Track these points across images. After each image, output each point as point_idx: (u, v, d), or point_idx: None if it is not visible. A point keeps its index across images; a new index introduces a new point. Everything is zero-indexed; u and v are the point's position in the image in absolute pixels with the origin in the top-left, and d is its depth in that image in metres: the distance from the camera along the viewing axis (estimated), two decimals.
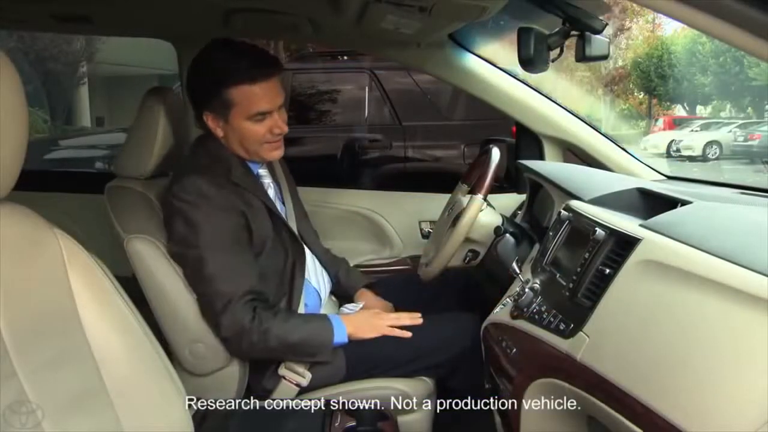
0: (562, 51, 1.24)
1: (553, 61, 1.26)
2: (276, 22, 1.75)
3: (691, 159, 12.11)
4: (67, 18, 1.81)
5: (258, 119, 1.41)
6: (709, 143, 12.62)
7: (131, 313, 1.12)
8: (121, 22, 1.91)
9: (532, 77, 1.90)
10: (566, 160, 2.06)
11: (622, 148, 2.00)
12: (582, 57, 1.19)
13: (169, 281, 1.39)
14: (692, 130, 13.46)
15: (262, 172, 1.53)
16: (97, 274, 1.07)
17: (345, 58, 4.54)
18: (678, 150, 12.58)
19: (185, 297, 1.40)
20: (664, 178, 1.95)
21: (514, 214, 1.91)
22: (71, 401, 0.96)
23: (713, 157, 12.39)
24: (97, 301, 1.06)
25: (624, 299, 1.00)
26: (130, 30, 2.22)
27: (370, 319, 1.50)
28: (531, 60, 1.22)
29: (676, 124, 14.84)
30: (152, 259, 1.39)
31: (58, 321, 1.00)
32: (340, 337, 1.45)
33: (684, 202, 1.15)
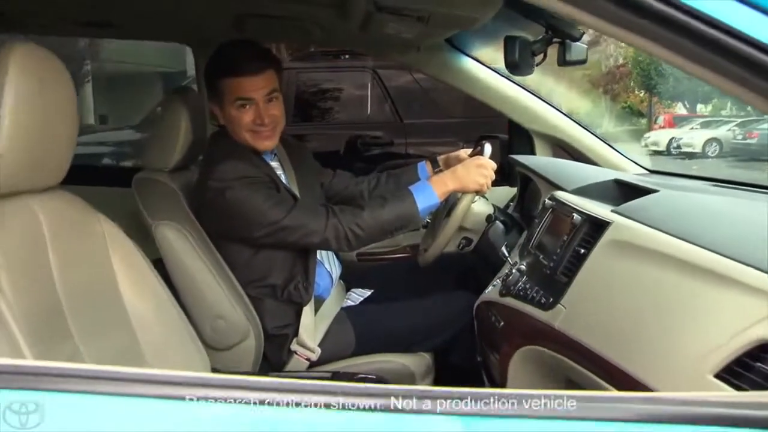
0: (545, 56, 1.39)
1: (537, 65, 1.41)
2: (287, 26, 1.90)
3: (691, 156, 12.19)
4: (92, 23, 1.95)
5: (241, 105, 1.54)
6: (709, 141, 12.70)
7: (162, 289, 1.28)
8: (141, 26, 2.05)
9: (536, 77, 2.04)
10: (556, 156, 2.20)
11: (609, 144, 2.14)
12: (563, 62, 1.33)
13: (194, 263, 1.54)
14: (692, 128, 13.55)
15: (274, 164, 1.67)
16: (133, 254, 1.22)
17: (347, 57, 4.65)
18: (678, 147, 12.68)
19: (208, 277, 1.54)
20: (647, 172, 2.09)
21: (507, 206, 2.06)
22: (115, 359, 1.11)
23: (713, 154, 12.47)
24: (133, 276, 1.21)
25: (596, 274, 1.15)
26: (149, 34, 2.36)
27: (473, 172, 1.55)
28: (516, 64, 1.37)
29: (676, 122, 14.95)
30: (178, 244, 1.53)
31: (101, 291, 1.14)
32: (426, 202, 1.54)
33: (652, 191, 1.30)
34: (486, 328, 1.49)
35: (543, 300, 1.25)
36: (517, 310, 1.33)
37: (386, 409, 0.54)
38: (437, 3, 1.39)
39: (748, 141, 14.27)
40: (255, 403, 0.55)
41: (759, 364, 0.74)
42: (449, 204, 1.69)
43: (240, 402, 0.55)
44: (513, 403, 0.56)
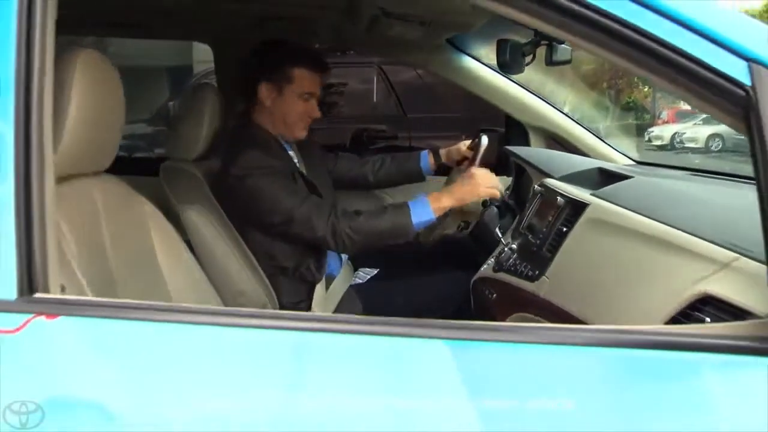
0: (534, 57, 1.54)
1: (527, 65, 1.57)
2: (300, 28, 2.06)
3: (694, 151, 12.27)
4: (122, 24, 2.12)
5: (306, 98, 1.71)
6: (712, 136, 12.76)
7: (193, 264, 1.45)
8: (168, 27, 2.22)
9: (542, 73, 2.18)
10: (550, 147, 2.35)
11: (599, 137, 2.30)
12: (550, 62, 1.49)
13: (217, 244, 1.70)
14: (695, 124, 13.62)
15: (292, 153, 1.83)
16: (170, 232, 1.40)
17: (353, 53, 4.79)
18: (681, 142, 12.76)
19: (230, 257, 1.70)
20: (634, 163, 2.24)
21: (503, 194, 2.22)
22: None
23: (716, 149, 12.55)
24: (169, 252, 1.38)
25: (575, 249, 1.32)
26: (174, 34, 2.53)
27: (468, 186, 1.64)
28: (507, 64, 1.53)
29: (679, 117, 15.02)
30: (203, 226, 1.70)
31: (143, 264, 1.31)
32: (421, 217, 1.62)
33: (628, 177, 1.46)
34: (481, 301, 1.66)
35: (530, 273, 1.41)
36: (508, 284, 1.50)
37: (387, 334, 0.71)
38: (437, 11, 1.55)
39: None
40: (287, 329, 0.72)
41: (697, 313, 0.91)
42: (450, 183, 1.84)
43: (276, 329, 0.73)
44: (493, 330, 0.73)
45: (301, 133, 1.75)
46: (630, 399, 0.70)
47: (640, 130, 13.31)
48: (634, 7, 0.75)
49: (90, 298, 0.91)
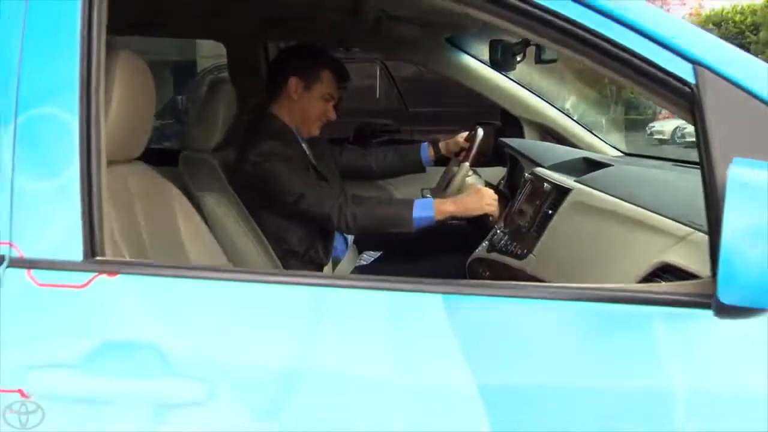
0: (524, 56, 1.69)
1: (518, 62, 1.71)
2: (306, 28, 2.21)
3: (695, 145, 12.36)
4: (142, 23, 2.26)
5: (327, 99, 1.88)
6: None
7: (213, 244, 1.60)
8: (186, 26, 2.36)
9: (546, 70, 2.31)
10: (543, 140, 2.49)
11: (589, 130, 2.44)
12: (538, 60, 1.63)
13: (234, 227, 1.84)
14: None
15: (304, 146, 1.97)
16: (193, 215, 1.54)
17: (356, 49, 4.92)
18: (683, 137, 12.84)
19: (245, 240, 1.84)
20: (622, 154, 2.38)
21: (499, 182, 2.36)
22: None
23: None
24: (193, 232, 1.52)
25: (559, 229, 1.46)
26: (190, 33, 2.67)
27: (474, 198, 1.78)
28: (499, 62, 1.67)
29: None
30: (221, 211, 1.84)
31: (170, 243, 1.46)
32: (421, 212, 1.75)
33: (608, 165, 1.61)
34: (476, 279, 1.80)
35: (518, 252, 1.56)
36: (500, 262, 1.64)
37: (386, 288, 0.86)
38: (435, 14, 1.69)
39: None
40: (308, 285, 0.87)
41: (657, 278, 1.05)
42: (447, 177, 1.99)
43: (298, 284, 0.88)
44: (483, 287, 0.87)
45: (315, 131, 1.91)
46: (594, 341, 0.85)
47: (642, 125, 13.41)
48: (599, 18, 0.89)
49: (142, 260, 1.06)
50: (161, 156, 1.96)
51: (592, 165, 1.70)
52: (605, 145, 2.39)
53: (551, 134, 2.46)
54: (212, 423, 0.83)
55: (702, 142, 0.88)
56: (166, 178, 1.81)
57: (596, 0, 0.89)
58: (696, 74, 0.88)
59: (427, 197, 2.09)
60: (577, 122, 2.41)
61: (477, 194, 1.79)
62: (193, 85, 6.53)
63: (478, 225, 2.03)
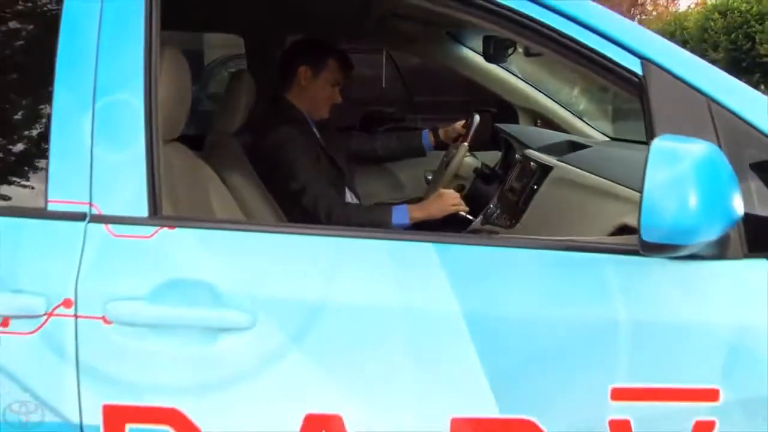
0: (515, 49, 1.89)
1: (509, 55, 1.91)
2: (318, 23, 2.42)
3: None
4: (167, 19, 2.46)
5: (333, 84, 2.09)
6: None
7: (240, 216, 1.82)
8: (208, 21, 2.57)
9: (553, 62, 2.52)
10: (537, 126, 2.70)
11: (578, 116, 2.65)
12: (527, 53, 1.84)
13: (256, 201, 2.05)
14: None
15: (315, 130, 2.19)
16: (222, 189, 1.76)
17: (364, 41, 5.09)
18: None
19: (266, 214, 2.07)
20: (609, 139, 2.59)
21: (495, 164, 2.58)
22: None
23: None
24: (224, 204, 1.75)
25: (542, 201, 1.68)
26: (212, 27, 2.88)
27: (436, 203, 1.93)
28: (492, 56, 1.88)
29: None
30: (244, 187, 2.05)
31: (204, 213, 1.68)
32: (399, 219, 1.91)
33: (587, 146, 1.82)
34: None
35: (508, 222, 1.78)
36: (492, 232, 1.86)
37: (384, 238, 1.08)
38: (435, 13, 1.89)
39: None
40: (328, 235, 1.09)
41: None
42: (447, 159, 2.21)
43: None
44: (468, 238, 1.09)
45: (325, 114, 2.12)
46: (557, 279, 1.06)
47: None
48: (568, 23, 1.10)
49: (195, 215, 1.28)
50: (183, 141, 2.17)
51: (574, 146, 1.91)
52: (593, 131, 2.60)
53: (544, 121, 2.67)
54: (253, 344, 1.05)
55: (647, 122, 1.09)
56: None
57: (566, 7, 1.10)
58: (643, 67, 1.09)
59: (428, 179, 2.30)
60: (567, 109, 2.62)
61: (439, 199, 1.94)
62: (204, 76, 6.70)
63: (475, 200, 2.25)
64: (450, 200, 1.94)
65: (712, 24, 9.13)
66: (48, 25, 1.14)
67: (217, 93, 4.52)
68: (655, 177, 0.91)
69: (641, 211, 0.92)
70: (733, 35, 8.61)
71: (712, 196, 0.91)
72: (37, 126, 1.15)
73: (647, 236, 0.92)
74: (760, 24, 8.32)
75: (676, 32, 10.26)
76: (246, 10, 2.33)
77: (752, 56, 8.41)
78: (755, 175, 1.07)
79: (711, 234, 0.93)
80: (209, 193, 1.70)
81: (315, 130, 2.18)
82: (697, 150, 0.92)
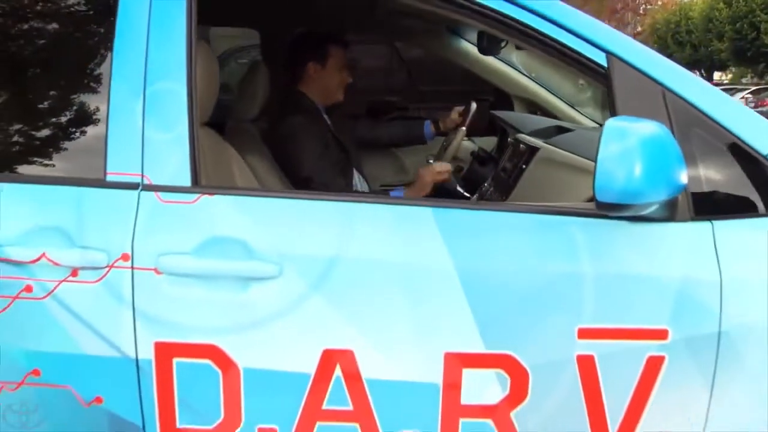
0: (507, 43, 2.09)
1: (502, 48, 2.11)
2: (327, 17, 2.62)
3: None
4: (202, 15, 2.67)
5: (341, 68, 2.27)
6: None
7: None
8: (227, 15, 2.78)
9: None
10: (531, 113, 2.90)
11: (570, 105, 2.84)
12: (518, 47, 2.03)
13: (273, 182, 2.27)
14: None
15: (325, 117, 2.38)
16: (246, 170, 1.97)
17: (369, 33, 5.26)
18: None
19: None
20: (598, 126, 2.78)
21: (492, 149, 2.78)
22: None
23: None
24: (245, 181, 1.95)
25: (529, 179, 1.89)
26: (231, 21, 3.09)
27: (426, 170, 2.13)
28: (485, 49, 2.08)
29: None
30: (262, 170, 2.26)
31: None
32: None
33: (571, 130, 2.02)
34: None
35: (499, 198, 1.98)
36: None
37: (389, 203, 1.29)
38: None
39: (759, 109, 14.67)
40: (341, 201, 1.30)
41: None
42: (447, 142, 2.41)
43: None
44: (460, 203, 1.30)
45: (340, 97, 2.31)
46: (533, 237, 1.27)
47: None
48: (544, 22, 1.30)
49: (231, 185, 1.50)
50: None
51: (560, 131, 2.11)
52: (583, 118, 2.79)
53: (538, 108, 2.87)
54: (279, 291, 1.26)
55: (611, 106, 1.29)
56: None
57: (540, 7, 1.30)
58: (608, 60, 1.29)
59: (430, 163, 2.50)
60: (559, 98, 2.81)
61: (421, 178, 2.14)
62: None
63: (472, 180, 2.45)
64: (437, 167, 2.14)
65: (717, 14, 9.24)
66: (106, 25, 1.34)
67: (227, 83, 4.70)
68: (608, 149, 1.11)
69: (595, 177, 1.12)
70: (737, 25, 8.72)
71: (656, 166, 1.11)
72: (96, 111, 1.36)
73: (601, 197, 1.13)
74: (766, 14, 8.40)
75: (681, 22, 10.34)
76: (263, 6, 2.53)
77: (757, 46, 8.52)
78: (702, 150, 1.27)
79: (655, 197, 1.13)
80: (233, 171, 1.91)
81: (325, 116, 2.38)
82: (644, 128, 1.12)
